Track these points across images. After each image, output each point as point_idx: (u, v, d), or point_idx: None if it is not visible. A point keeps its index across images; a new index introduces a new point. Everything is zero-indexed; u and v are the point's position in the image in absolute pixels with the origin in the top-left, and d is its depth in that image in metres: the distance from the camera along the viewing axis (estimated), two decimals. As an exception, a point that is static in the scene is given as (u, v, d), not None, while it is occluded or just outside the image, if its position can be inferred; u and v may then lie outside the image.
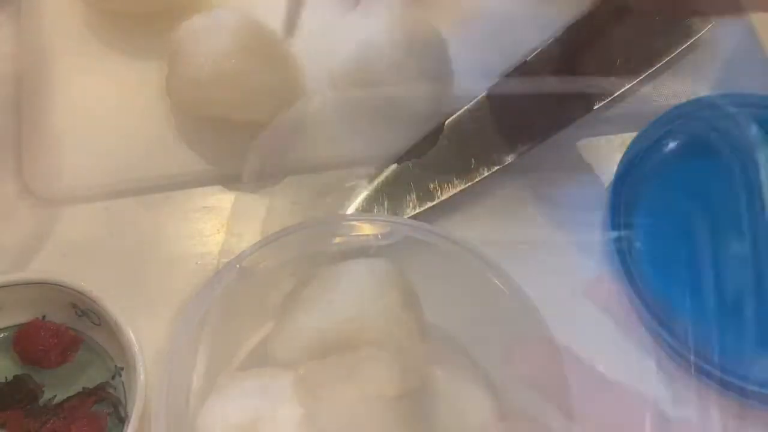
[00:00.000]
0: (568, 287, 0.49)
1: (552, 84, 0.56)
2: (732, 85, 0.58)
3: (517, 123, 0.54)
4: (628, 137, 0.55)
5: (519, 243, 0.50)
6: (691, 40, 0.58)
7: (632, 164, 0.53)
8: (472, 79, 0.55)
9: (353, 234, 0.47)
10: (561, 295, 0.48)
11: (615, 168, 0.53)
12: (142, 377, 0.42)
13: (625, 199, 0.52)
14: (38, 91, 0.53)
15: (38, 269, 0.48)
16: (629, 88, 0.56)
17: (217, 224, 0.51)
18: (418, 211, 0.51)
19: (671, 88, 0.58)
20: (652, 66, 0.56)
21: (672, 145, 0.55)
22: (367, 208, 0.51)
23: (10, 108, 0.53)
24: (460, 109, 0.54)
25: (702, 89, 0.58)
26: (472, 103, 0.54)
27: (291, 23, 0.51)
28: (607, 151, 0.55)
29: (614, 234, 0.51)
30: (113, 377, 0.45)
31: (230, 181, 0.52)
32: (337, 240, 0.47)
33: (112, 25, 0.56)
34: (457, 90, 0.54)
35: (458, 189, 0.52)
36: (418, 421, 0.40)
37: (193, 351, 0.43)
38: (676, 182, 0.54)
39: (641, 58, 0.57)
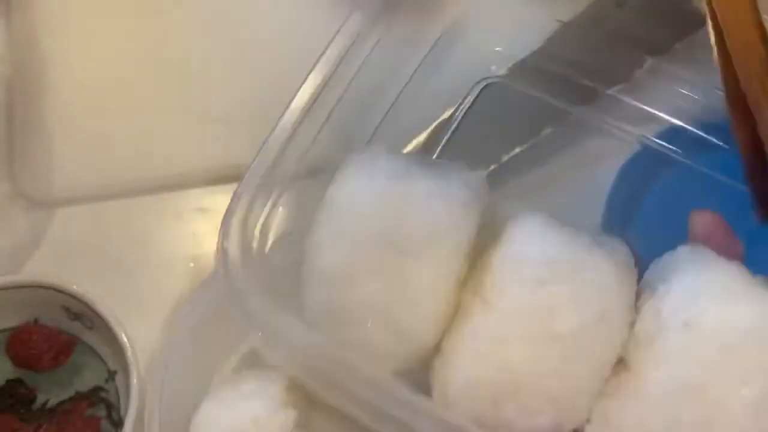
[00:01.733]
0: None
1: (548, 81, 0.56)
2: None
3: (514, 121, 0.54)
4: (627, 135, 0.55)
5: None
6: (689, 37, 0.58)
7: (631, 170, 0.53)
8: (467, 78, 0.55)
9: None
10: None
11: (614, 169, 0.53)
12: (135, 380, 0.42)
13: (623, 205, 0.52)
14: (30, 92, 0.53)
15: (31, 272, 0.47)
16: (626, 85, 0.56)
17: (212, 225, 0.51)
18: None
19: (670, 85, 0.58)
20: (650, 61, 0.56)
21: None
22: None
23: (2, 110, 0.52)
24: (455, 107, 0.54)
25: (700, 86, 0.57)
26: (466, 102, 0.54)
27: None
28: (606, 151, 0.55)
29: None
30: (107, 381, 0.45)
31: (225, 181, 0.52)
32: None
33: (104, 26, 0.55)
34: (451, 87, 0.54)
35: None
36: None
37: (188, 354, 0.43)
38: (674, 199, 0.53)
39: (639, 54, 0.57)
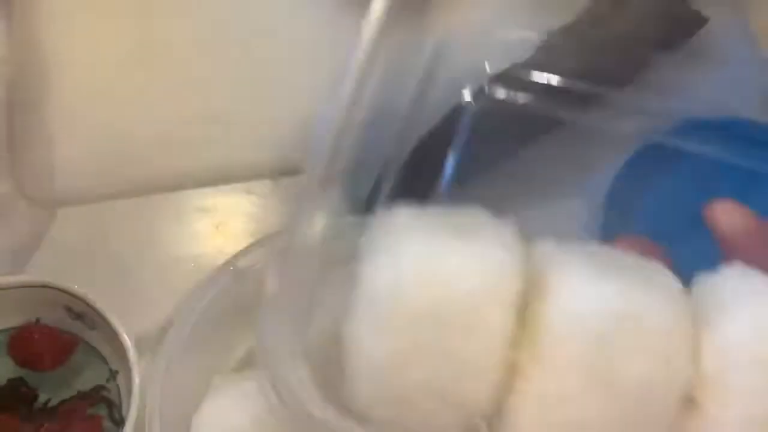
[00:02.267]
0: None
1: (546, 85, 0.56)
2: (727, 84, 0.58)
3: (512, 123, 0.54)
4: (624, 138, 0.55)
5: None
6: (689, 39, 0.58)
7: (630, 173, 0.53)
8: (464, 82, 0.55)
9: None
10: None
11: (612, 170, 0.53)
12: (137, 380, 0.42)
13: (621, 210, 0.52)
14: (32, 92, 0.53)
15: (33, 272, 0.47)
16: (625, 87, 0.56)
17: (213, 226, 0.51)
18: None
19: (668, 88, 0.58)
20: (649, 65, 0.56)
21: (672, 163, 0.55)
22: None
23: (4, 109, 0.52)
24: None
25: (697, 88, 0.58)
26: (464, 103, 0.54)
27: None
28: (603, 152, 0.55)
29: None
30: (108, 380, 0.45)
31: (225, 182, 0.52)
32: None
33: (106, 26, 0.55)
34: (448, 94, 0.54)
35: (452, 190, 0.52)
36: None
37: (188, 353, 0.43)
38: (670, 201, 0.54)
39: (637, 57, 0.57)
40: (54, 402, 0.44)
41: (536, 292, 0.28)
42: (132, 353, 0.42)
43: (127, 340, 0.43)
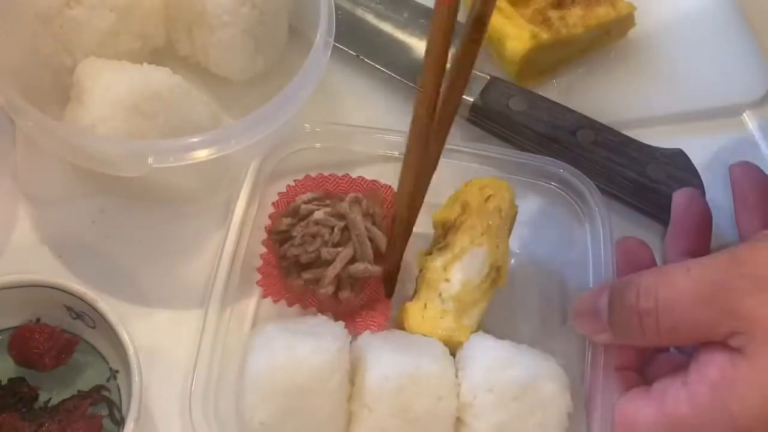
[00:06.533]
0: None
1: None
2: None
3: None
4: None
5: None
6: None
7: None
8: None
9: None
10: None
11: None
12: (137, 379, 0.42)
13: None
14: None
15: (33, 271, 0.47)
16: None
17: (212, 225, 0.51)
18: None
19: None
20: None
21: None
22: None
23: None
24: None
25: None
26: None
27: None
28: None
29: None
30: (108, 379, 0.45)
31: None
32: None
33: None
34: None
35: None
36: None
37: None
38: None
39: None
40: (54, 401, 0.44)
41: (359, 364, 0.44)
42: (132, 352, 0.42)
43: (127, 340, 0.43)
